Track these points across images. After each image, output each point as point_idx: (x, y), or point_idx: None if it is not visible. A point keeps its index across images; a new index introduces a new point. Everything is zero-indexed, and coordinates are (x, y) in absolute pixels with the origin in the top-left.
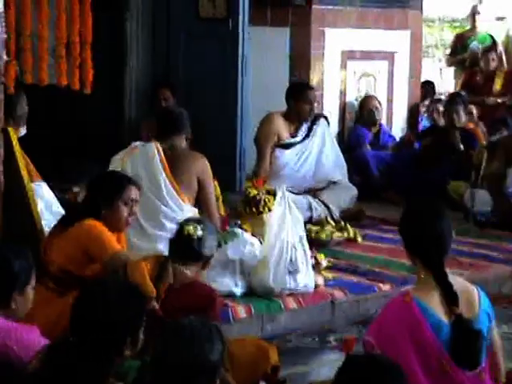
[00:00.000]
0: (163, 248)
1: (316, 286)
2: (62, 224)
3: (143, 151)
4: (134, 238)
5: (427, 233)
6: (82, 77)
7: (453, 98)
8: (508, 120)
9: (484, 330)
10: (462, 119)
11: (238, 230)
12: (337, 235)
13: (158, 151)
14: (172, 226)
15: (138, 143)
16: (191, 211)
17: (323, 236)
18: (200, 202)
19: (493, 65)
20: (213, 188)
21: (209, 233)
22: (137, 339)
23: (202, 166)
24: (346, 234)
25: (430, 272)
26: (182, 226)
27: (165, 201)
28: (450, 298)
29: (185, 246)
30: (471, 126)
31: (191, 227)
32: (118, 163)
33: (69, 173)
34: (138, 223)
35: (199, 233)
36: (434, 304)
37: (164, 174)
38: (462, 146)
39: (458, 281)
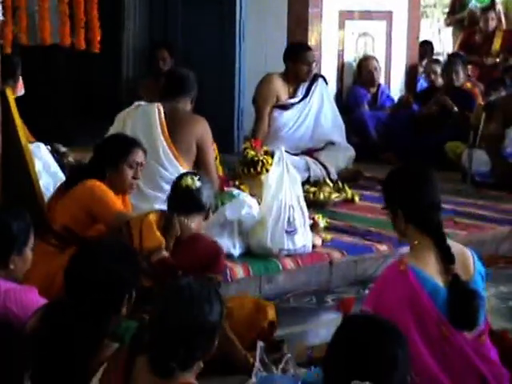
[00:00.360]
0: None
1: (314, 247)
2: (67, 185)
3: (144, 112)
4: (132, 199)
5: (424, 201)
6: (87, 36)
7: (452, 58)
8: (506, 79)
9: (480, 291)
10: (461, 79)
11: (236, 191)
12: (334, 196)
13: (160, 114)
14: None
15: (141, 103)
16: None
17: (321, 197)
18: (199, 165)
19: (492, 24)
20: (212, 151)
21: (205, 183)
22: (132, 296)
23: (201, 130)
24: (343, 195)
25: (427, 236)
26: (178, 180)
27: (163, 163)
28: (447, 258)
29: (185, 198)
30: (468, 85)
31: (189, 179)
32: (119, 124)
33: (70, 132)
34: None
35: (197, 183)
36: (430, 269)
37: (162, 138)
38: (455, 108)
39: (453, 244)
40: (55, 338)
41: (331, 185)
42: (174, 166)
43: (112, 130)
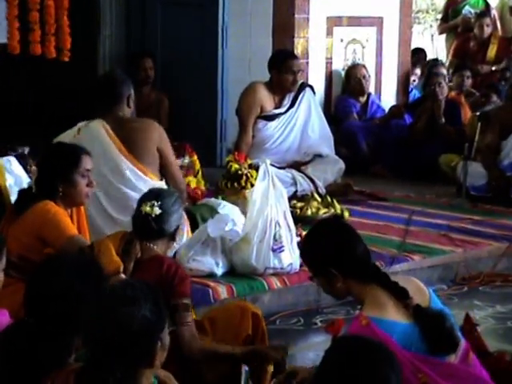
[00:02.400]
0: None
1: (301, 265)
2: (16, 210)
3: (91, 136)
4: (107, 230)
5: (358, 249)
6: (58, 44)
7: (434, 69)
8: (499, 86)
9: (443, 308)
10: (444, 91)
11: (215, 200)
12: (323, 211)
13: (108, 132)
14: None
15: (81, 124)
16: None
17: (309, 212)
18: (163, 173)
19: (487, 31)
20: (173, 155)
21: (169, 206)
22: None
23: (158, 134)
24: (332, 210)
25: (371, 282)
26: (139, 203)
27: (132, 186)
28: (400, 295)
29: (144, 225)
30: (453, 94)
31: (148, 206)
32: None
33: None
34: (107, 214)
35: (157, 210)
36: (392, 314)
37: (123, 158)
38: (443, 120)
39: (397, 278)
40: (13, 361)
41: (319, 199)
42: (144, 182)
43: None
